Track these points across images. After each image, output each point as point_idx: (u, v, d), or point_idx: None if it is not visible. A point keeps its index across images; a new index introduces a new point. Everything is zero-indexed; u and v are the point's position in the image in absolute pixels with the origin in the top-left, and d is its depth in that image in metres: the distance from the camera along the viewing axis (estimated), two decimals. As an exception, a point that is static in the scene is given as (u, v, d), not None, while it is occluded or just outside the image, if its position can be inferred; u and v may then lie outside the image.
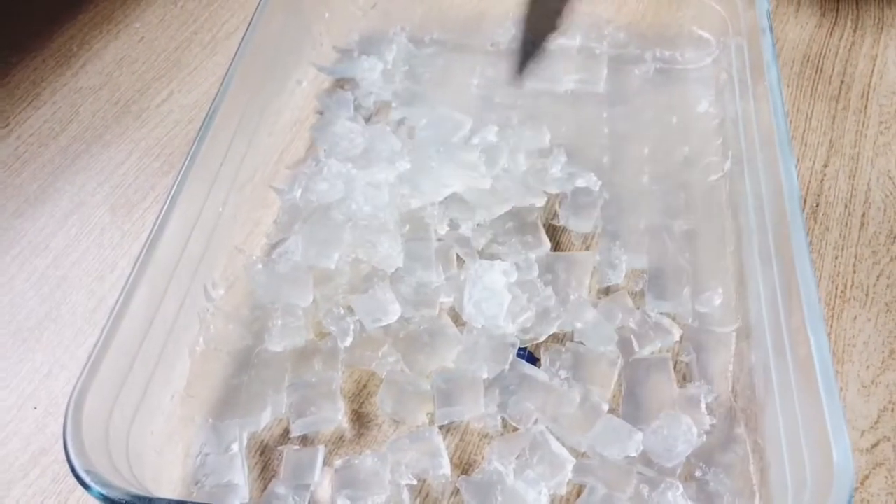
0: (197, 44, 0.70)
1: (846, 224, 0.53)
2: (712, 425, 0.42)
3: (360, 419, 0.45)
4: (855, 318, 0.48)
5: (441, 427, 0.43)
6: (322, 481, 0.41)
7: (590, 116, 0.59)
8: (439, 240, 0.50)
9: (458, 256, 0.50)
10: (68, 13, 0.73)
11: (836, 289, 0.49)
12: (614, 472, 0.40)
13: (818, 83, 0.62)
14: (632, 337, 0.46)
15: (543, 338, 0.46)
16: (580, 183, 0.53)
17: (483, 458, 0.43)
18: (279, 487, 0.41)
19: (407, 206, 0.51)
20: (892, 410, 0.44)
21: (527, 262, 0.48)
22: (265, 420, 0.44)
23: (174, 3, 0.74)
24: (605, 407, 0.43)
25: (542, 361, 0.45)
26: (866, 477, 0.42)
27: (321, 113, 0.61)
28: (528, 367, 0.44)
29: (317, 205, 0.52)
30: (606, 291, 0.49)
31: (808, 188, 0.55)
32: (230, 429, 0.43)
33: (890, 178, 0.55)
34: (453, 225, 0.51)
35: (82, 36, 0.71)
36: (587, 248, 0.52)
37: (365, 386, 0.46)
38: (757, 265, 0.45)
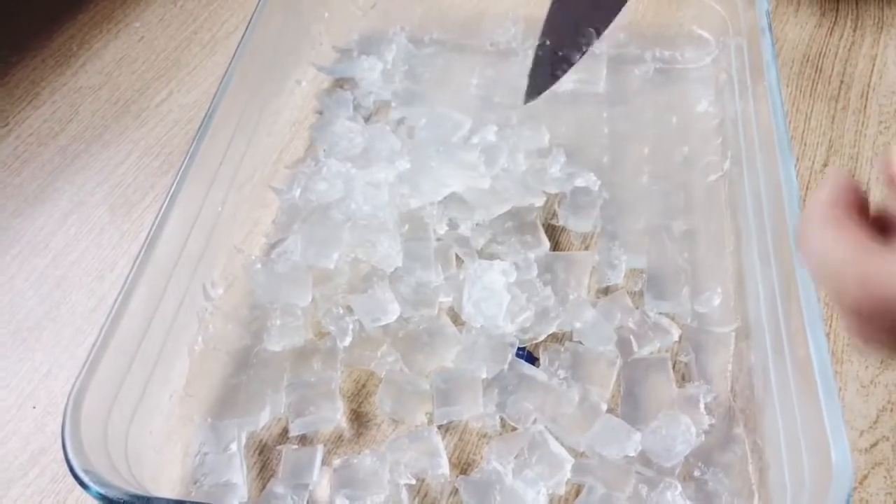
0: (196, 43, 0.70)
1: (845, 224, 0.52)
2: (711, 425, 0.42)
3: (359, 419, 0.45)
4: (854, 318, 0.48)
5: (440, 427, 0.43)
6: (321, 481, 0.41)
7: (589, 116, 0.59)
8: (438, 239, 0.50)
9: (457, 256, 0.50)
10: (68, 13, 0.73)
11: (836, 289, 0.49)
12: (613, 472, 0.40)
13: (818, 83, 0.62)
14: (631, 337, 0.46)
15: (542, 337, 0.46)
16: (579, 183, 0.53)
17: (482, 457, 0.43)
18: (278, 487, 0.41)
19: (406, 206, 0.51)
20: (891, 410, 0.44)
21: (526, 262, 0.48)
22: (264, 419, 0.44)
23: (174, 3, 0.74)
24: (604, 407, 0.43)
25: (541, 361, 0.45)
26: (865, 477, 0.42)
27: (320, 113, 0.61)
28: (526, 367, 0.44)
29: (316, 204, 0.52)
30: (605, 291, 0.49)
31: (807, 188, 0.55)
32: (229, 428, 0.43)
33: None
34: (452, 225, 0.51)
35: (82, 35, 0.71)
36: (586, 248, 0.52)
37: (364, 385, 0.46)
38: (756, 265, 0.45)
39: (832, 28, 0.67)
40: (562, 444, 0.41)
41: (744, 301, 0.47)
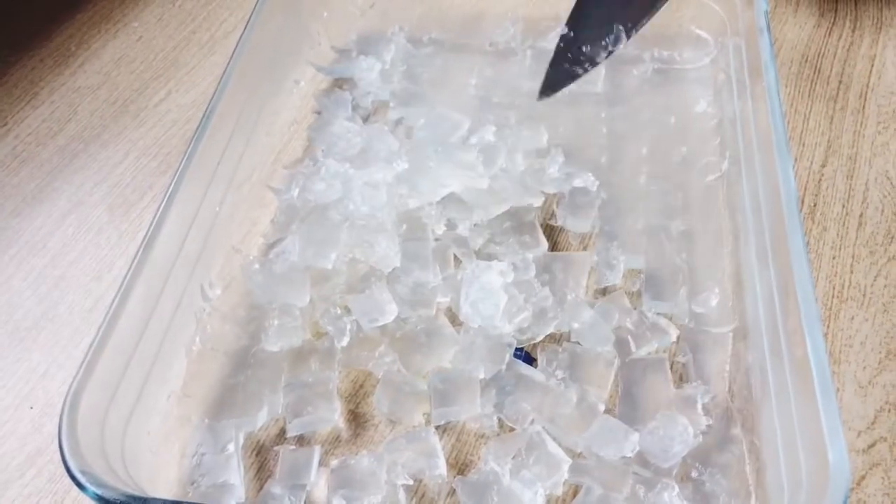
0: (195, 43, 0.70)
1: (844, 224, 0.53)
2: (709, 426, 0.42)
3: (357, 419, 0.45)
4: (852, 318, 0.48)
5: (437, 427, 0.43)
6: (318, 481, 0.41)
7: (588, 116, 0.59)
8: (437, 240, 0.50)
9: (455, 256, 0.50)
10: (66, 12, 0.73)
11: (834, 289, 0.49)
12: (610, 473, 0.40)
13: (816, 83, 0.62)
14: (629, 337, 0.46)
15: (540, 338, 0.46)
16: (578, 183, 0.53)
17: (479, 458, 0.43)
18: (275, 487, 0.41)
19: (404, 206, 0.51)
20: (889, 411, 0.44)
21: (524, 262, 0.48)
22: (261, 420, 0.44)
23: (172, 3, 0.74)
24: (602, 407, 0.43)
25: (539, 361, 0.45)
26: (863, 477, 0.42)
27: (319, 113, 0.61)
28: (524, 368, 0.44)
29: (314, 205, 0.52)
30: (603, 292, 0.49)
31: (805, 188, 0.55)
32: (226, 429, 0.43)
33: (888, 178, 0.55)
34: (451, 225, 0.51)
35: (81, 35, 0.71)
36: (584, 249, 0.52)
37: (361, 386, 0.46)
38: (754, 265, 0.45)
39: (831, 28, 0.66)
40: (559, 445, 0.41)
41: (742, 301, 0.47)
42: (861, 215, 0.53)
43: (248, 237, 0.53)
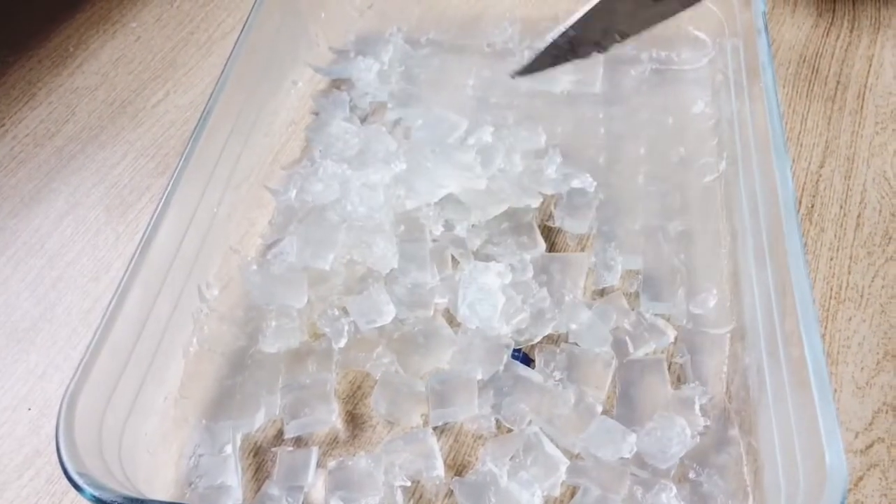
0: (193, 44, 0.70)
1: (841, 225, 0.53)
2: (706, 427, 0.42)
3: (354, 420, 0.45)
4: (850, 319, 0.48)
5: (435, 428, 0.43)
6: (316, 483, 0.41)
7: (586, 117, 0.59)
8: (434, 241, 0.50)
9: (453, 257, 0.50)
10: (65, 13, 0.73)
11: (831, 290, 0.49)
12: (608, 474, 0.40)
13: (814, 84, 0.62)
14: (626, 338, 0.46)
15: (538, 339, 0.46)
16: (576, 184, 0.53)
17: (477, 459, 0.43)
18: (273, 489, 0.41)
19: (402, 207, 0.51)
20: (887, 412, 0.44)
21: (522, 263, 0.48)
22: (259, 421, 0.44)
23: (170, 3, 0.74)
24: (600, 408, 0.43)
25: (537, 362, 0.45)
26: (860, 478, 0.42)
27: (317, 114, 0.61)
28: (522, 369, 0.44)
29: (312, 206, 0.52)
30: (601, 293, 0.49)
31: (803, 189, 0.55)
32: (224, 430, 0.43)
33: (885, 178, 0.55)
34: (448, 226, 0.51)
35: (79, 36, 0.71)
36: (582, 250, 0.52)
37: (359, 387, 0.46)
38: (752, 266, 0.45)
39: (829, 29, 0.67)
40: (557, 446, 0.41)
41: (739, 302, 0.47)
42: (859, 216, 0.53)
43: (245, 238, 0.53)
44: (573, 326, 0.46)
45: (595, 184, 0.53)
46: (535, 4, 0.66)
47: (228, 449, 0.42)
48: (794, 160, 0.56)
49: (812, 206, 0.54)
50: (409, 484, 0.41)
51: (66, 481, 0.34)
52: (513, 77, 0.50)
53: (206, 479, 0.41)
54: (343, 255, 0.49)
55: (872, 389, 0.45)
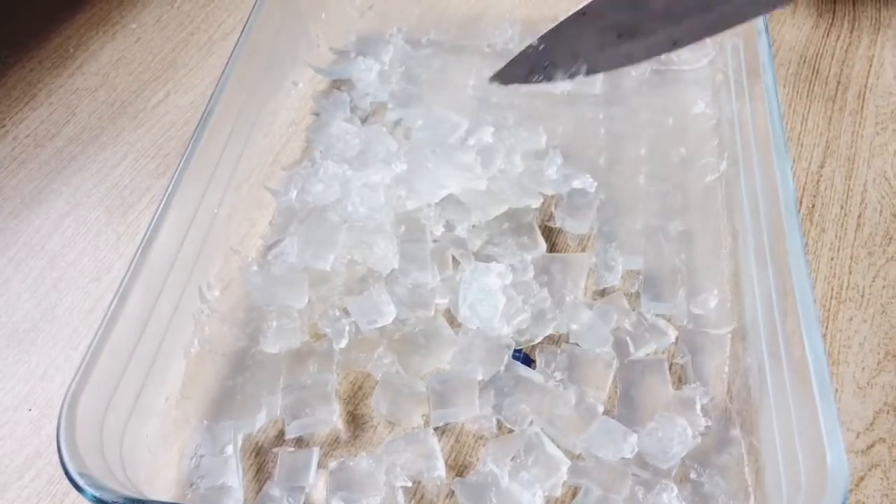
0: (193, 45, 0.70)
1: (842, 225, 0.53)
2: (707, 427, 0.42)
3: (355, 421, 0.45)
4: (851, 319, 0.48)
5: (436, 429, 0.43)
6: (317, 483, 0.41)
7: (586, 117, 0.59)
8: (435, 241, 0.50)
9: (453, 258, 0.50)
10: (65, 14, 0.73)
11: (832, 290, 0.49)
12: (609, 474, 0.40)
13: (814, 84, 0.62)
14: (627, 338, 0.46)
15: (539, 339, 0.46)
16: (576, 184, 0.53)
17: (478, 459, 0.43)
18: (274, 489, 0.41)
19: (403, 208, 0.51)
20: (888, 412, 0.44)
21: (522, 264, 0.48)
22: (260, 422, 0.44)
23: (170, 4, 0.74)
24: (601, 408, 0.43)
25: (538, 363, 0.45)
26: (861, 478, 0.42)
27: (317, 114, 0.61)
28: (523, 369, 0.44)
29: (312, 206, 0.52)
30: (602, 293, 0.49)
31: (804, 189, 0.55)
32: (225, 431, 0.43)
33: (886, 178, 0.55)
34: (449, 226, 0.51)
35: (79, 36, 0.71)
36: (583, 250, 0.52)
37: (360, 387, 0.46)
38: (752, 266, 0.45)
39: (829, 29, 0.67)
40: (558, 446, 0.41)
41: (740, 303, 0.46)
42: (859, 216, 0.53)
43: (246, 238, 0.53)
44: (574, 327, 0.46)
45: (596, 184, 0.53)
46: (535, 5, 0.66)
47: (229, 449, 0.42)
48: (794, 160, 0.56)
49: (813, 207, 0.54)
50: (410, 484, 0.41)
51: (67, 482, 0.34)
52: (490, 82, 0.49)
53: (208, 479, 0.41)
54: (344, 255, 0.49)
55: (873, 389, 0.45)
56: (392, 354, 0.45)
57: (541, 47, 0.46)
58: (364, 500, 0.40)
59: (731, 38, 0.58)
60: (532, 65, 0.46)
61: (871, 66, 0.63)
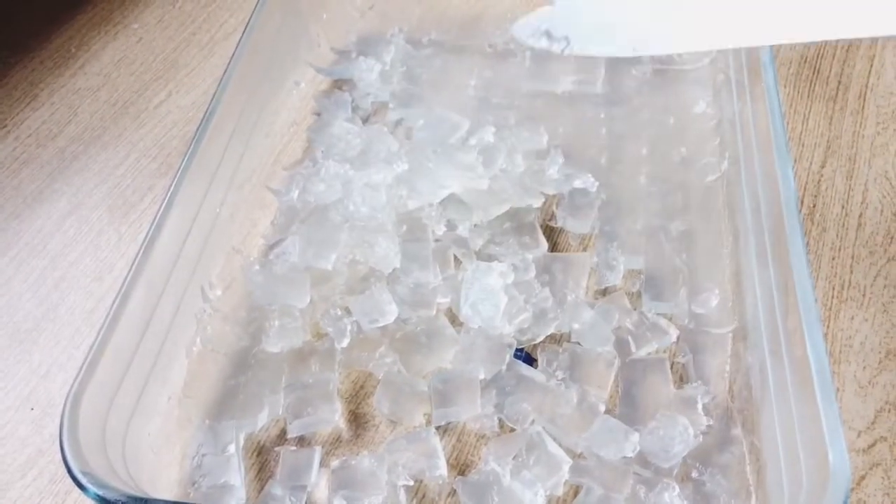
0: (195, 45, 0.70)
1: (843, 225, 0.53)
2: (709, 426, 0.42)
3: (357, 420, 0.45)
4: (852, 318, 0.48)
5: (438, 428, 0.43)
6: (319, 482, 0.41)
7: (587, 117, 0.59)
8: (437, 240, 0.50)
9: (455, 257, 0.50)
10: (67, 14, 0.73)
11: (833, 289, 0.49)
12: (611, 473, 0.40)
13: (815, 84, 0.62)
14: (629, 338, 0.46)
15: (540, 338, 0.46)
16: (577, 184, 0.53)
17: (480, 458, 0.43)
18: (276, 488, 0.41)
19: (404, 207, 0.51)
20: (889, 411, 0.44)
21: (524, 263, 0.48)
22: (262, 421, 0.44)
23: (172, 4, 0.74)
24: (602, 407, 0.43)
25: (539, 362, 0.45)
26: (863, 477, 0.42)
27: (319, 114, 0.61)
28: (524, 368, 0.45)
29: (314, 206, 0.52)
30: (604, 292, 0.49)
31: (805, 189, 0.55)
32: (227, 430, 0.43)
33: (887, 178, 0.55)
34: (451, 226, 0.51)
35: (81, 37, 0.71)
36: (584, 249, 0.52)
37: (362, 387, 0.46)
38: (754, 266, 0.45)
39: (830, 29, 0.66)
40: (560, 445, 0.41)
41: (741, 302, 0.47)
42: (860, 216, 0.53)
43: (248, 238, 0.53)
44: (575, 326, 0.46)
45: (597, 184, 0.53)
46: (535, 5, 0.66)
47: (232, 448, 0.42)
48: (795, 160, 0.57)
49: (814, 206, 0.54)
50: (412, 483, 0.41)
51: (69, 481, 0.34)
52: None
53: (210, 478, 0.41)
54: (345, 254, 0.49)
55: (875, 388, 0.45)
56: (394, 353, 0.46)
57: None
58: (366, 499, 0.40)
59: (732, 38, 0.58)
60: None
61: (871, 66, 0.63)
